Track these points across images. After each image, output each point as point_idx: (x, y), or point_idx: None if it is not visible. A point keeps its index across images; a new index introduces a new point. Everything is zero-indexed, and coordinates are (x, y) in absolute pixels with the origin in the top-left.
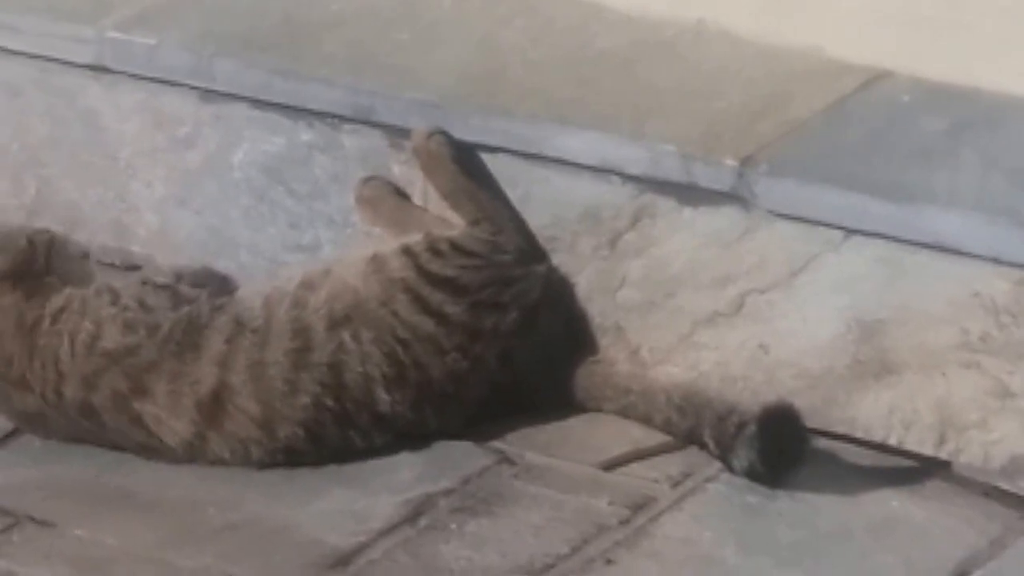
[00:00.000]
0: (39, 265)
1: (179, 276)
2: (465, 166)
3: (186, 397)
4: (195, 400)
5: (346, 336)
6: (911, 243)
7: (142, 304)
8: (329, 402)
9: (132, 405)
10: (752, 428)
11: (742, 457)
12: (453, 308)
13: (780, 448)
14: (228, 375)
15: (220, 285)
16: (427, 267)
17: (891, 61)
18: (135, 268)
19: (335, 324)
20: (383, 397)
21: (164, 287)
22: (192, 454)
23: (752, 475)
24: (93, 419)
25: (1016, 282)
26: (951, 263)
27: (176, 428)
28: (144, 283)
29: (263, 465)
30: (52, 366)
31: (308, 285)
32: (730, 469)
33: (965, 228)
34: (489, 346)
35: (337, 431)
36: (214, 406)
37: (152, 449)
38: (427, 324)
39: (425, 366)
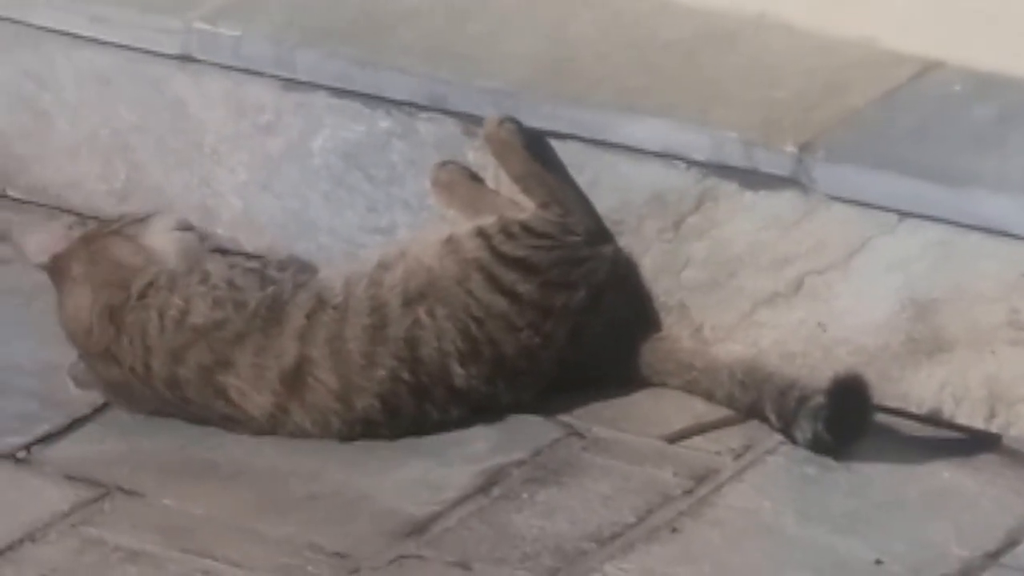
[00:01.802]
0: (112, 228)
1: (266, 262)
2: (535, 152)
3: (270, 370)
4: (278, 372)
5: (421, 312)
6: (963, 225)
7: (231, 284)
8: (405, 375)
9: (217, 378)
10: (817, 400)
11: (805, 429)
12: (525, 287)
13: (848, 418)
14: (308, 349)
15: (303, 268)
16: (500, 248)
17: (943, 52)
18: (220, 250)
19: (410, 301)
20: (458, 371)
21: (252, 270)
22: (274, 425)
23: (815, 446)
24: (177, 392)
25: None
26: (1001, 244)
27: (259, 400)
28: (233, 266)
29: (343, 436)
30: (140, 341)
31: (384, 265)
32: (792, 441)
33: (1014, 211)
34: (559, 323)
35: (413, 404)
36: (295, 378)
37: (235, 421)
38: (500, 302)
39: (498, 342)
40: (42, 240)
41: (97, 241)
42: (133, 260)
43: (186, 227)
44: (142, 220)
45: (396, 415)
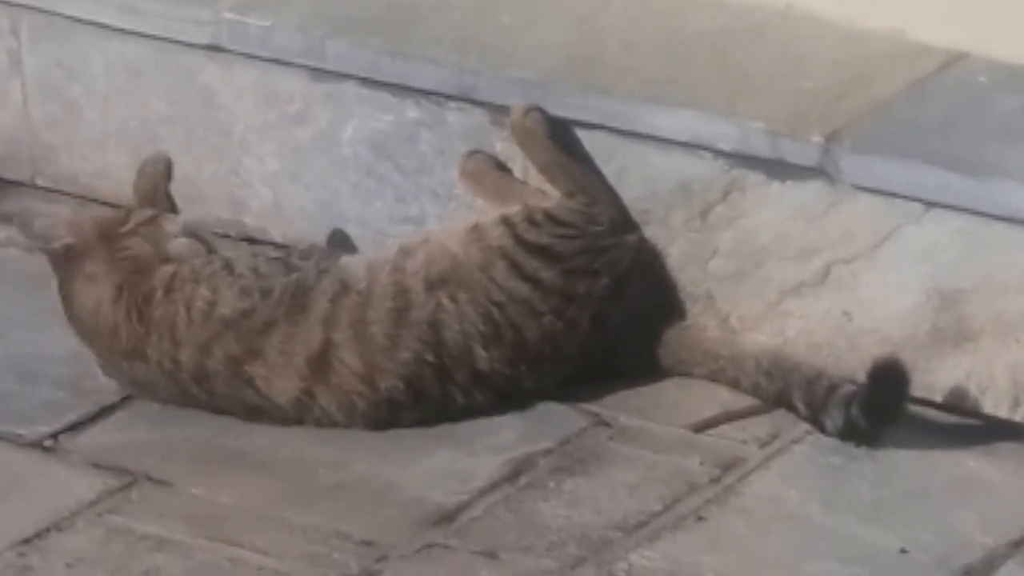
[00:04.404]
0: (128, 228)
1: (289, 251)
2: (560, 141)
3: (296, 356)
4: (305, 357)
5: (443, 297)
6: (988, 216)
7: (255, 272)
8: (429, 357)
9: (244, 368)
10: (848, 388)
11: (836, 417)
12: (548, 274)
13: (884, 403)
14: (332, 332)
15: (325, 255)
16: (524, 236)
17: (969, 44)
18: (249, 240)
19: (432, 286)
20: (481, 354)
21: (275, 259)
22: (300, 411)
23: (847, 434)
24: (204, 385)
25: None
26: None
27: (286, 387)
28: (256, 255)
29: (368, 419)
30: (168, 335)
31: (406, 251)
32: (821, 430)
33: None
34: (582, 310)
35: (437, 386)
36: (320, 362)
37: (261, 410)
38: (523, 289)
39: (520, 327)
40: (50, 225)
41: (118, 241)
42: (152, 261)
43: (189, 232)
44: (152, 221)
45: (420, 397)
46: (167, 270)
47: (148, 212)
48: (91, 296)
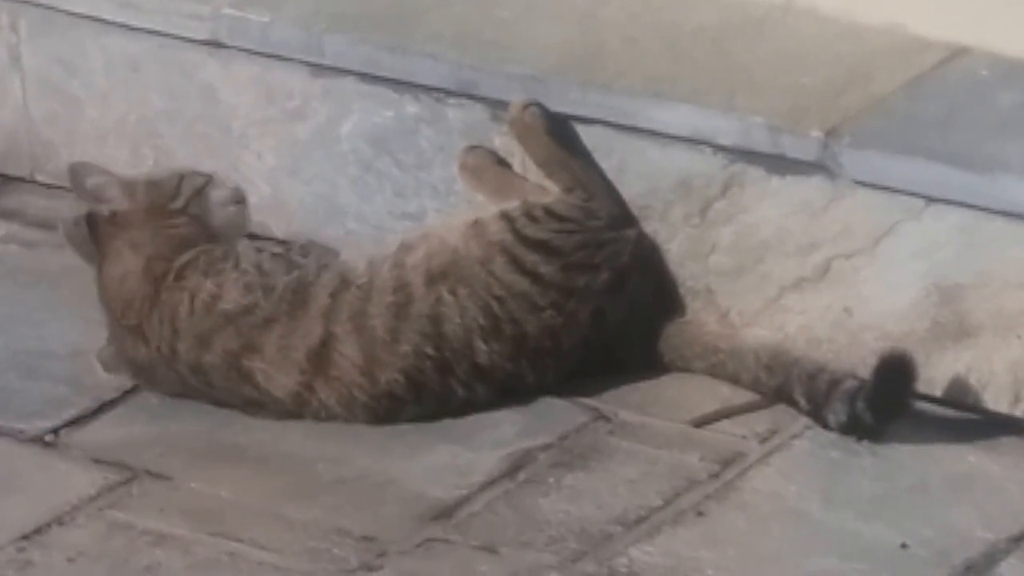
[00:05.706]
0: (178, 204)
1: (288, 247)
2: (559, 136)
3: (296, 350)
4: (305, 351)
5: (443, 291)
6: (988, 211)
7: (259, 269)
8: (429, 350)
9: (242, 363)
10: (850, 382)
11: (839, 411)
12: (547, 268)
13: (890, 398)
14: (333, 326)
15: (324, 252)
16: (523, 231)
17: (970, 38)
18: (249, 236)
19: (433, 280)
20: (481, 348)
21: (278, 255)
22: (300, 405)
23: (850, 428)
24: (202, 378)
25: None
26: None
27: (285, 381)
28: (260, 251)
29: (368, 413)
30: (169, 322)
31: (407, 247)
32: (823, 424)
33: None
34: (582, 304)
35: (438, 379)
36: (321, 355)
37: (259, 404)
38: (522, 283)
39: (520, 321)
40: (103, 185)
41: (167, 216)
42: (198, 241)
43: (240, 199)
44: (202, 192)
45: (420, 391)
46: (185, 257)
47: (199, 180)
48: (122, 264)
